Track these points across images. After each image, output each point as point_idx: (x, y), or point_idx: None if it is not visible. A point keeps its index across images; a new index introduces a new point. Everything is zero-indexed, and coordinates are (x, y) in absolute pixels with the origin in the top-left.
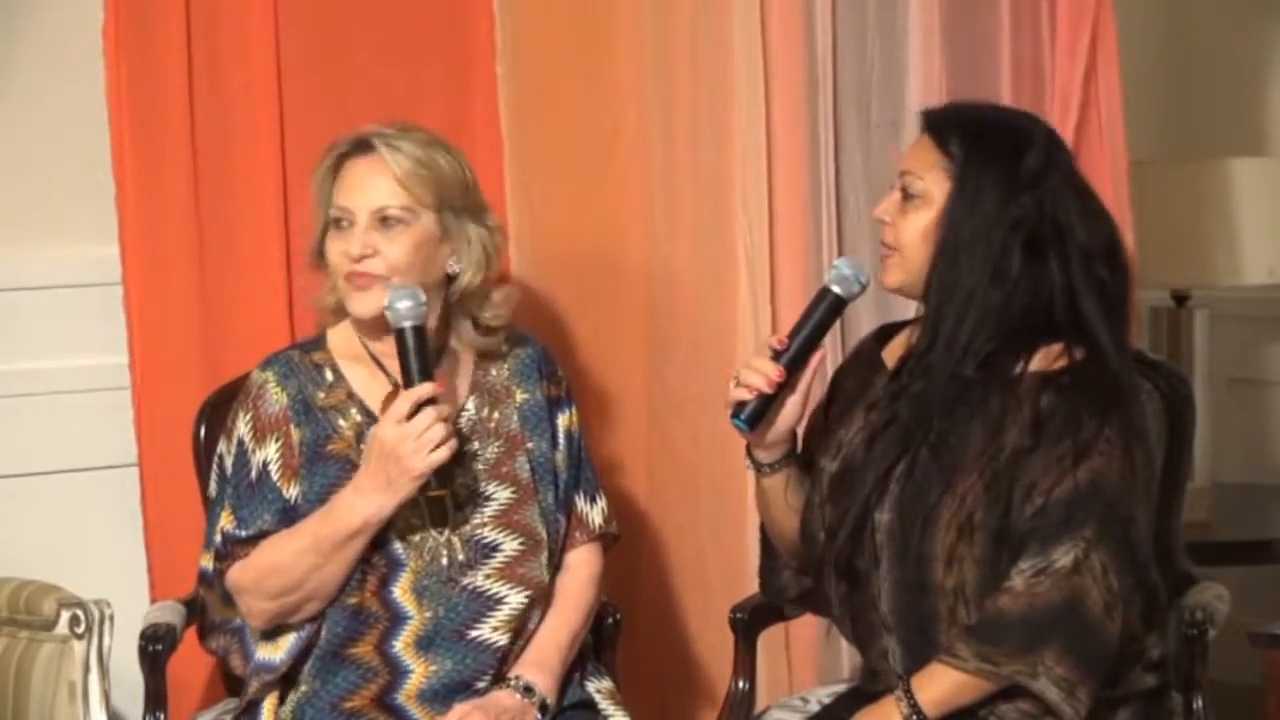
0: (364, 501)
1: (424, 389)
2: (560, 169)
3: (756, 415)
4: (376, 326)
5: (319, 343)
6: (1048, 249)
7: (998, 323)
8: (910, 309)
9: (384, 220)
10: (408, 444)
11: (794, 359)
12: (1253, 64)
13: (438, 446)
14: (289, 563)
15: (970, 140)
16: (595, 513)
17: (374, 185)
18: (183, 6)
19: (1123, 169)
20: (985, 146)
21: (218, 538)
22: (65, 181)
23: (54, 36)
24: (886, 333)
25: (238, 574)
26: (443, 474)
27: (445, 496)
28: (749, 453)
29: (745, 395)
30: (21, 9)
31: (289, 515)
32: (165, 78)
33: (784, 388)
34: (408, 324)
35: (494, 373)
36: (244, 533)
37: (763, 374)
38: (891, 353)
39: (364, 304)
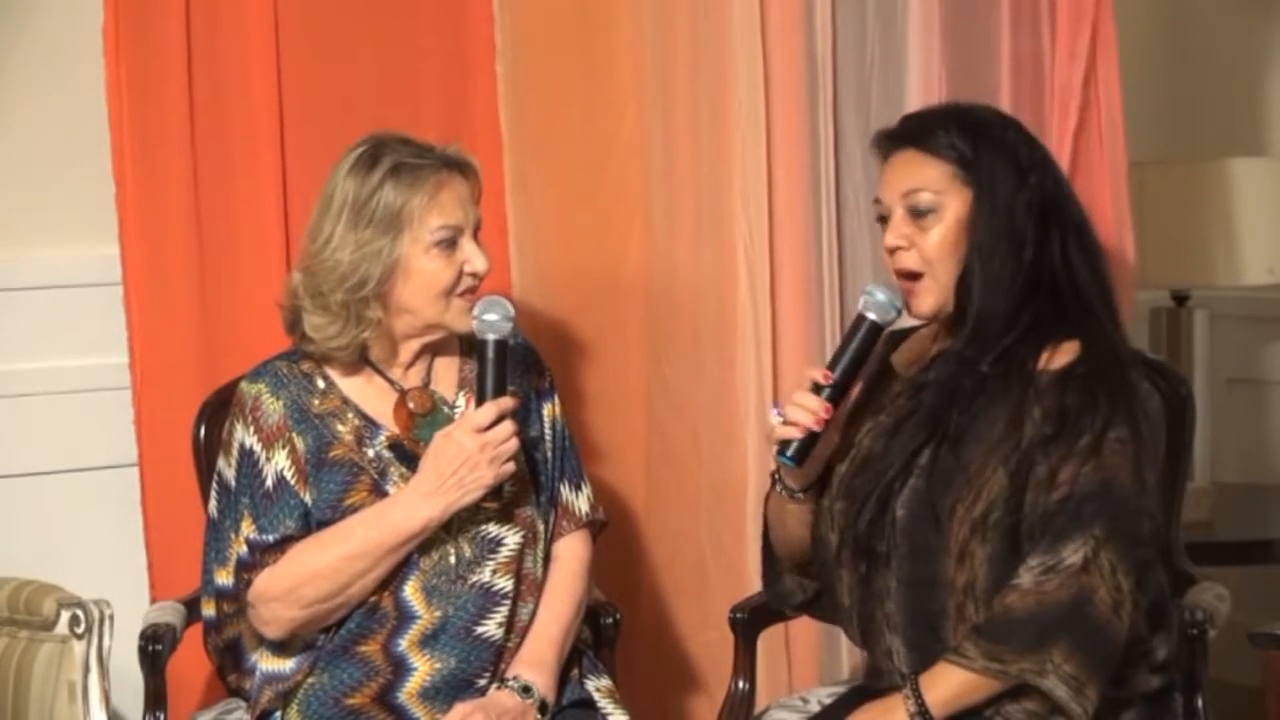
0: (428, 504)
1: (508, 402)
2: (560, 169)
3: (804, 452)
4: (388, 337)
5: (300, 354)
6: (1051, 223)
7: (1023, 304)
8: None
9: (476, 234)
10: (487, 452)
11: (837, 392)
12: (1253, 64)
13: (509, 459)
14: (334, 568)
15: (968, 138)
16: (581, 500)
17: (469, 201)
18: (183, 6)
19: (1122, 170)
20: (982, 139)
21: (242, 549)
22: (65, 181)
23: (54, 36)
24: (896, 339)
25: (266, 582)
26: (498, 487)
27: (495, 508)
28: (779, 478)
29: (794, 434)
30: (21, 9)
31: (308, 521)
32: (165, 78)
33: (829, 423)
34: (493, 336)
35: None
36: (271, 538)
37: (810, 411)
38: (900, 358)
39: (469, 316)
